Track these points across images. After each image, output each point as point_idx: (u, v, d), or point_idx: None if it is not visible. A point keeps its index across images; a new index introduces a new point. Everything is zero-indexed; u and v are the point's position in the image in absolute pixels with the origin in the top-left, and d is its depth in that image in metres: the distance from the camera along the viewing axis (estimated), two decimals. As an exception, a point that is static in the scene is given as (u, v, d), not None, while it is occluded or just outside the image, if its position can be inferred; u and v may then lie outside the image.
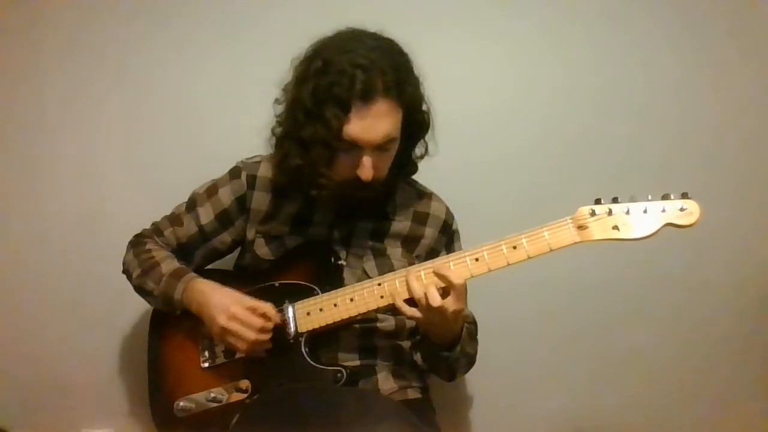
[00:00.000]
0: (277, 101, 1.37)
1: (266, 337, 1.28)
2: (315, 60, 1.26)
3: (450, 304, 1.20)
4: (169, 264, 1.38)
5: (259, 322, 1.27)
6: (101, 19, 1.69)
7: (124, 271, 1.44)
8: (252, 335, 1.26)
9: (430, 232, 1.43)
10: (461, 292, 1.22)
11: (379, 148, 1.25)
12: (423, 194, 1.47)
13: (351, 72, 1.20)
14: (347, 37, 1.27)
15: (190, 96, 1.70)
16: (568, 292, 1.72)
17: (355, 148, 1.24)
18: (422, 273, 1.25)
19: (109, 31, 1.69)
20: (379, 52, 1.24)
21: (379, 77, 1.21)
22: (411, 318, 1.26)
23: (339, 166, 1.27)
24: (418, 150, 1.40)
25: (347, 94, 1.20)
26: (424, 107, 1.33)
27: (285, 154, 1.30)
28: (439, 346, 1.32)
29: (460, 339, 1.31)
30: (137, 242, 1.45)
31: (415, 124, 1.32)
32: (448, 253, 1.40)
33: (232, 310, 1.26)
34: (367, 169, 1.25)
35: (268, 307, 1.29)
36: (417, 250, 1.42)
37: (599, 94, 1.72)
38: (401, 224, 1.42)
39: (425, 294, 1.21)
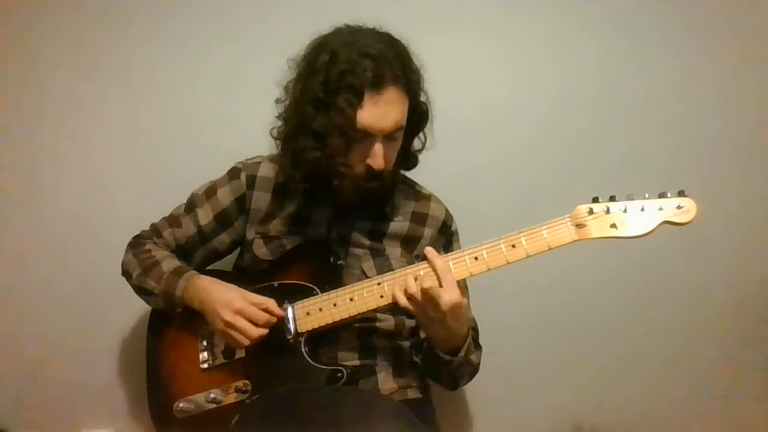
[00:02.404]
0: (278, 100, 1.37)
1: (266, 331, 1.28)
2: (321, 54, 1.26)
3: (443, 292, 1.18)
4: (169, 262, 1.38)
5: (263, 316, 1.27)
6: (101, 19, 1.69)
7: (123, 273, 1.44)
8: (256, 331, 1.26)
9: (428, 233, 1.43)
10: (449, 279, 1.20)
11: (389, 137, 1.27)
12: (422, 195, 1.47)
13: (360, 61, 1.22)
14: (349, 32, 1.29)
15: (190, 96, 1.70)
16: (568, 292, 1.72)
17: (367, 137, 1.25)
18: (422, 273, 1.24)
19: (109, 31, 1.70)
20: (384, 43, 1.26)
21: (387, 66, 1.23)
22: (407, 309, 1.23)
23: (351, 157, 1.27)
24: (418, 143, 1.40)
25: (359, 83, 1.21)
26: (423, 98, 1.35)
27: (301, 148, 1.28)
28: (442, 350, 1.28)
29: (465, 344, 1.28)
30: (136, 243, 1.45)
31: (417, 115, 1.33)
32: (446, 254, 1.41)
33: (237, 305, 1.27)
34: (378, 156, 1.26)
35: (271, 303, 1.29)
36: (417, 251, 1.42)
37: (598, 93, 1.72)
38: (400, 224, 1.42)
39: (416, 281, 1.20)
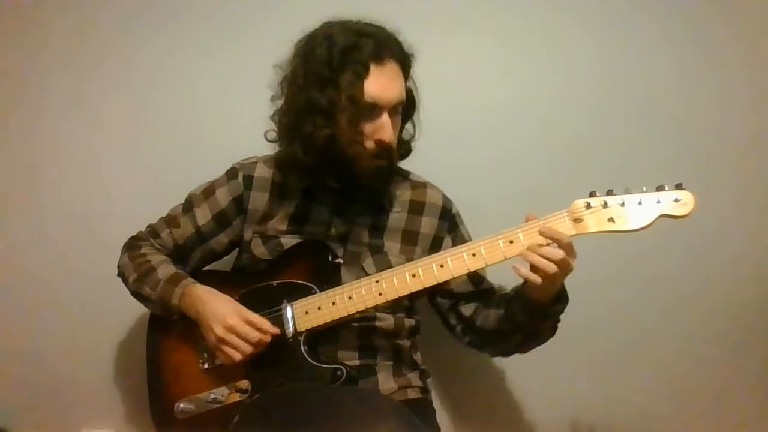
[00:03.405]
0: (274, 98, 1.37)
1: (260, 349, 1.28)
2: (317, 42, 1.29)
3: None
4: (165, 269, 1.38)
5: (256, 335, 1.26)
6: (101, 20, 1.70)
7: (119, 275, 1.44)
8: (248, 349, 1.26)
9: (428, 221, 1.43)
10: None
11: (393, 110, 1.28)
12: (417, 184, 1.47)
13: (359, 39, 1.26)
14: (339, 21, 1.31)
15: (190, 96, 1.71)
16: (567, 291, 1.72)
17: (374, 110, 1.26)
18: (420, 270, 1.25)
19: (110, 32, 1.71)
20: (376, 27, 1.30)
21: (384, 42, 1.27)
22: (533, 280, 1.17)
23: (360, 133, 1.28)
24: (407, 134, 1.41)
25: (364, 56, 1.24)
26: (410, 85, 1.36)
27: (310, 130, 1.28)
28: (545, 302, 1.25)
29: (563, 289, 1.26)
30: (132, 245, 1.45)
31: (408, 101, 1.34)
32: (452, 237, 1.42)
33: (230, 322, 1.26)
34: (388, 128, 1.27)
35: (266, 324, 1.28)
36: (419, 243, 1.41)
37: (597, 91, 1.72)
38: (398, 216, 1.41)
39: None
